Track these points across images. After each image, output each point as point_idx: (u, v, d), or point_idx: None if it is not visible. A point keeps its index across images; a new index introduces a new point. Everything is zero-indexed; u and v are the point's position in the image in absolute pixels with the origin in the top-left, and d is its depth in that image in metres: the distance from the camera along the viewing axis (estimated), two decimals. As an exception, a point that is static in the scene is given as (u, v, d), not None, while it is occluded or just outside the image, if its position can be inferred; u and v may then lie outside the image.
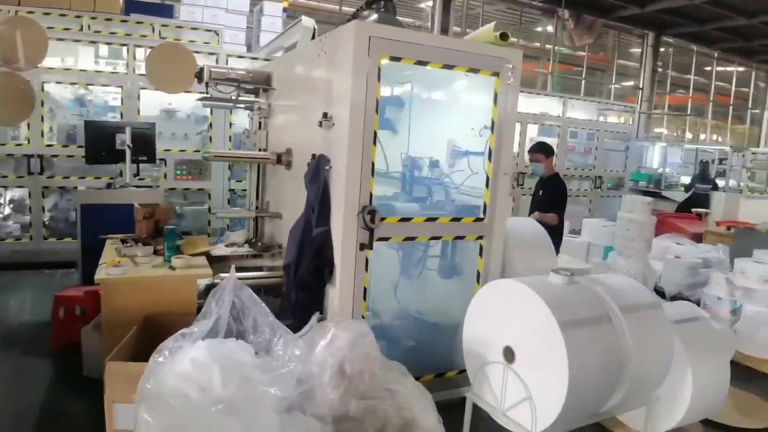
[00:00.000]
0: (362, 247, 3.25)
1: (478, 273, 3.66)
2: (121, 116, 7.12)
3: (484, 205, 3.60)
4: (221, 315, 2.93)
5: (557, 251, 5.07)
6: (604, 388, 2.80)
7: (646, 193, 12.45)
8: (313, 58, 3.75)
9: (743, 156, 11.70)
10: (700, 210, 10.76)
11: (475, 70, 3.44)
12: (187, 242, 4.31)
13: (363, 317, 3.35)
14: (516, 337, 2.89)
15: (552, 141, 9.70)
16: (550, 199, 5.20)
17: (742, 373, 4.80)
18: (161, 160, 7.29)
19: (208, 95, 4.90)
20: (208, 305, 2.91)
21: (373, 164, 3.22)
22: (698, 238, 8.05)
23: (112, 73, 7.23)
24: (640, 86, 16.82)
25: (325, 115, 3.35)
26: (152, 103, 7.47)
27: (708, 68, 19.83)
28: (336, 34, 3.37)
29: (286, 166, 4.16)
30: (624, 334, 2.84)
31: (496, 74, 3.47)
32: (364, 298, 3.34)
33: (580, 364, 2.62)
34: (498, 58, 3.46)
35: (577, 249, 6.60)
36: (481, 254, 3.64)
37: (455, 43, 3.44)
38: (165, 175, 7.34)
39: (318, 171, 3.37)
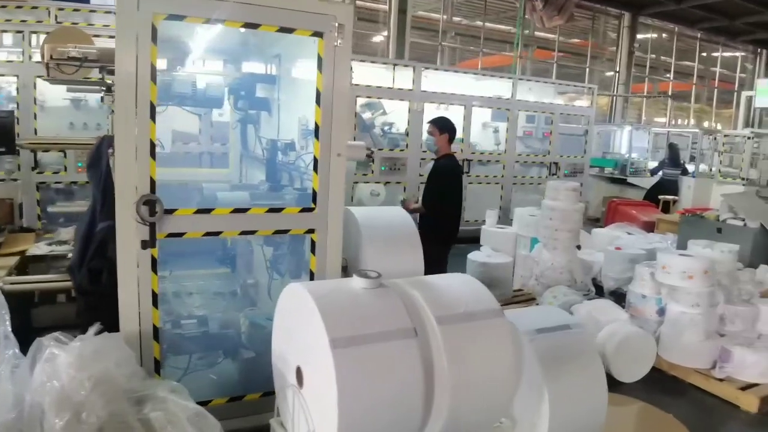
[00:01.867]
0: (144, 245, 2.66)
1: (312, 273, 3.07)
2: (18, 106, 6.57)
3: (314, 193, 3.00)
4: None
5: (448, 247, 4.47)
6: (405, 418, 2.21)
7: (611, 179, 11.86)
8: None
9: (715, 139, 11.03)
10: (667, 197, 10.15)
11: (288, 30, 2.83)
12: (7, 240, 3.77)
13: (156, 327, 2.78)
14: (304, 355, 2.32)
15: (502, 125, 9.13)
16: (427, 182, 4.59)
17: (670, 384, 4.21)
18: (62, 151, 6.76)
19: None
20: None
21: (152, 144, 2.63)
22: (651, 227, 7.44)
23: (7, 62, 6.69)
24: (617, 69, 16.14)
25: (108, 87, 2.79)
26: (59, 91, 6.91)
27: (704, 54, 19.22)
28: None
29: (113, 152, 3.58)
30: (438, 350, 2.26)
31: (319, 35, 2.87)
32: (155, 305, 2.76)
33: (357, 389, 2.04)
34: (319, 15, 2.85)
35: (505, 241, 6.00)
36: (313, 251, 3.05)
37: (260, -4, 2.83)
38: (65, 168, 6.78)
39: (99, 155, 2.80)
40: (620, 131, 12.21)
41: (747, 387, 3.95)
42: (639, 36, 17.33)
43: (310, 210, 3.00)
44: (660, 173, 10.75)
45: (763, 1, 14.41)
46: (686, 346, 4.14)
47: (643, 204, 8.45)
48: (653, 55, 18.21)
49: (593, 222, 10.00)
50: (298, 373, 2.33)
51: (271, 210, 2.96)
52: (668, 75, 18.76)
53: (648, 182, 10.92)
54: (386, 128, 8.60)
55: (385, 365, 2.13)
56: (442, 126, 4.56)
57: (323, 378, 2.08)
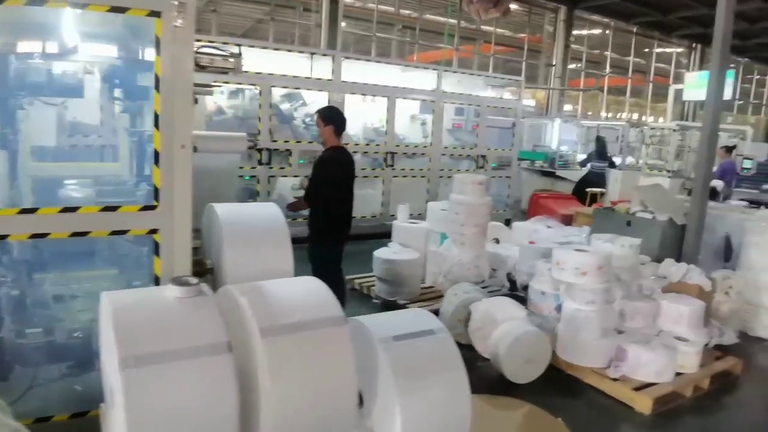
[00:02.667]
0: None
1: (157, 278, 2.79)
2: None
3: (155, 189, 2.72)
4: None
5: (338, 245, 4.23)
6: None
7: (543, 172, 11.88)
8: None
9: (642, 131, 11.16)
10: (594, 189, 10.18)
11: (121, 9, 2.54)
12: None
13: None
14: (112, 372, 2.04)
15: (431, 118, 8.97)
16: (311, 174, 4.30)
17: (567, 384, 4.08)
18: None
19: None
20: None
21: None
22: (572, 220, 7.41)
23: None
24: (553, 63, 16.22)
25: None
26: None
27: (647, 49, 19.53)
28: None
29: None
30: (262, 366, 2.02)
31: (157, 14, 2.58)
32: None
33: (151, 414, 1.79)
34: (156, -9, 2.57)
35: (416, 236, 5.82)
36: (158, 253, 2.77)
37: (84, -29, 2.52)
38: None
39: None
40: (551, 124, 12.23)
41: (642, 387, 3.84)
42: (583, 32, 17.54)
43: (152, 208, 2.72)
44: (589, 166, 10.81)
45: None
46: (582, 344, 4.03)
47: (565, 197, 8.40)
48: (596, 51, 18.42)
49: (524, 215, 9.98)
50: (110, 391, 2.06)
51: (107, 208, 2.66)
52: (606, 69, 19.00)
53: (579, 175, 10.97)
54: (308, 120, 8.32)
55: (189, 386, 1.87)
56: (327, 117, 4.27)
57: (119, 399, 1.82)
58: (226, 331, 2.00)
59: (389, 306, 5.36)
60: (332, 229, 4.12)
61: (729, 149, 10.78)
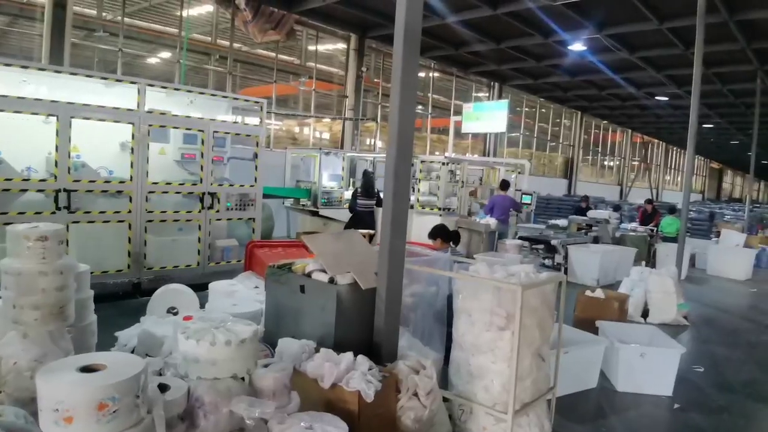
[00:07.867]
0: None
1: None
2: None
3: None
4: None
5: None
6: None
7: (313, 212, 10.35)
8: None
9: (412, 165, 10.09)
10: (363, 231, 8.78)
11: None
12: None
13: None
14: None
15: (154, 146, 7.04)
16: None
17: None
18: None
19: None
20: None
21: None
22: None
23: None
24: (345, 94, 15.06)
25: None
26: None
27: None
28: None
29: None
30: None
31: None
32: None
33: None
34: None
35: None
36: None
37: None
38: None
39: None
40: (319, 156, 10.65)
41: None
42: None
43: None
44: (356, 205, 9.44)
45: (485, 31, 14.28)
46: None
47: (290, 245, 6.73)
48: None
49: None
50: None
51: None
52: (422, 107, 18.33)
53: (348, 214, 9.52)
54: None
55: None
56: None
57: None
58: None
59: None
60: None
61: (504, 184, 10.00)
